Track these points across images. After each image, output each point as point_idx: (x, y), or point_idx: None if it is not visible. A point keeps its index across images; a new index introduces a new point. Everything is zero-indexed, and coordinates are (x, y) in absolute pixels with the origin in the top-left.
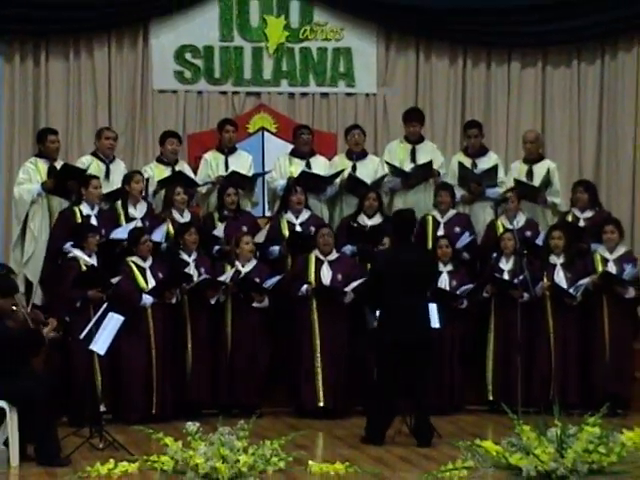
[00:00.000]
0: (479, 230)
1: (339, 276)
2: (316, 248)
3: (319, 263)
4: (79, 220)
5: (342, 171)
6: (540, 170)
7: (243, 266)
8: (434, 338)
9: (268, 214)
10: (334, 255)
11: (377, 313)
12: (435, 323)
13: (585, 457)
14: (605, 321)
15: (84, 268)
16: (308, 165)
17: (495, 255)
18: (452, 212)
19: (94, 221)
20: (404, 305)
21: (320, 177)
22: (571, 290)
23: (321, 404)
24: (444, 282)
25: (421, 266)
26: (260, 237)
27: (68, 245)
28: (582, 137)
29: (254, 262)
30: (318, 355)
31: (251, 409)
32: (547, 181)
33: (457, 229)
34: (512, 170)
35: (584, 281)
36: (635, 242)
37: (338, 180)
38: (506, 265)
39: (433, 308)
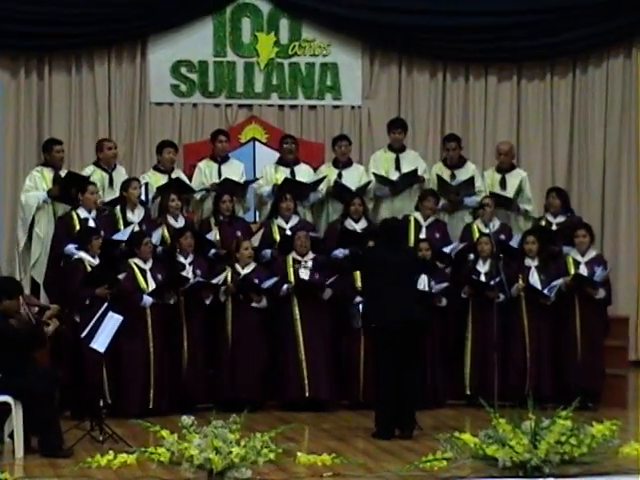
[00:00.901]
0: (455, 236)
1: (316, 275)
2: (293, 250)
3: (297, 264)
4: (77, 224)
5: (324, 177)
6: (512, 179)
7: (243, 269)
8: (424, 326)
9: (258, 220)
10: (310, 256)
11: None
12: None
13: (557, 448)
14: (577, 320)
15: (89, 269)
16: (292, 173)
17: (472, 258)
18: (432, 218)
19: (92, 224)
20: (391, 295)
21: (302, 184)
22: (545, 291)
23: (306, 394)
24: (423, 283)
25: (405, 262)
26: (254, 241)
27: (69, 247)
28: (555, 147)
29: (253, 265)
30: (302, 349)
31: (252, 402)
32: (519, 190)
33: (437, 235)
34: (485, 178)
35: (557, 282)
36: (605, 246)
37: (323, 187)
38: (483, 267)
39: None
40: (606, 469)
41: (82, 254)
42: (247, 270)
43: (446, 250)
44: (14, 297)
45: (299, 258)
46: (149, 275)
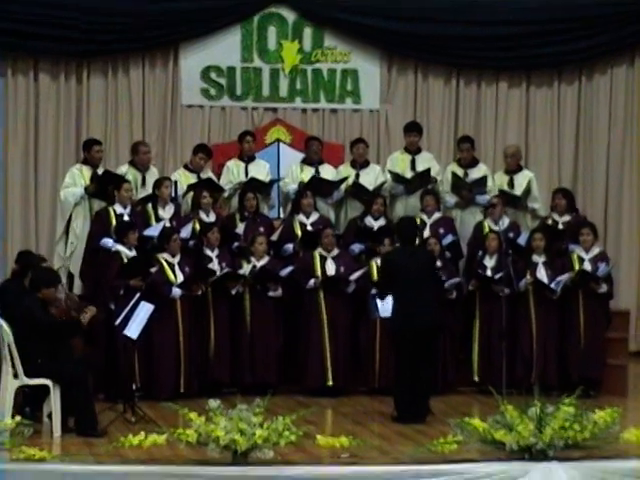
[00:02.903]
0: (469, 232)
1: (342, 268)
2: (320, 246)
3: (323, 259)
4: (113, 219)
5: (346, 178)
6: (520, 180)
7: (258, 261)
8: (440, 326)
9: (282, 216)
10: (335, 251)
11: (382, 304)
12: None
13: (561, 433)
14: (581, 313)
15: (125, 261)
16: (317, 172)
17: (480, 253)
18: (437, 215)
19: (127, 219)
20: (412, 298)
21: (328, 182)
22: (551, 285)
23: (330, 383)
24: (437, 276)
25: (424, 266)
26: (274, 236)
27: (106, 240)
28: (561, 150)
29: (267, 258)
30: (326, 339)
31: (269, 386)
32: (527, 190)
33: (441, 230)
34: (495, 180)
35: (563, 277)
36: (608, 243)
37: (343, 186)
38: (489, 262)
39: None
40: (607, 453)
41: (119, 247)
42: (262, 262)
43: (443, 242)
44: (52, 286)
45: (325, 254)
46: (177, 268)
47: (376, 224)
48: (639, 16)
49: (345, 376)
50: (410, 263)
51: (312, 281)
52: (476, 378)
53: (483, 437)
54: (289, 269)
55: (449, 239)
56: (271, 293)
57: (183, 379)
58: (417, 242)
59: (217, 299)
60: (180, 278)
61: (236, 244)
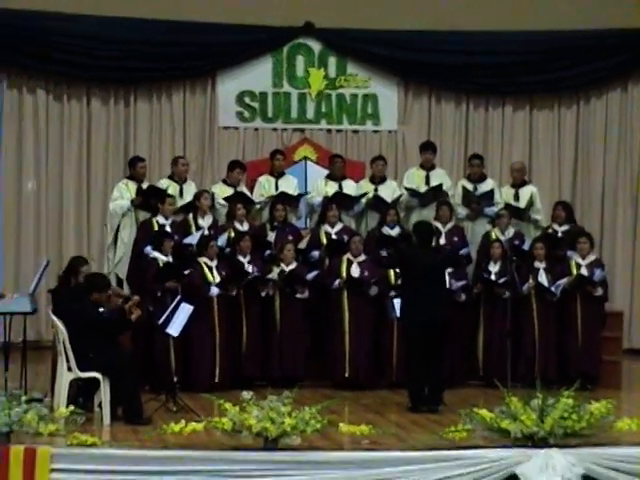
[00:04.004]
0: (477, 240)
1: (366, 272)
2: (349, 251)
3: (350, 263)
4: (156, 229)
5: (366, 193)
6: (525, 193)
7: (287, 266)
8: (448, 324)
9: (308, 226)
10: (362, 257)
11: (399, 303)
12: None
13: (561, 423)
14: (578, 314)
15: (161, 266)
16: (340, 187)
17: (486, 259)
18: (451, 224)
19: (168, 230)
20: (424, 293)
21: (350, 197)
22: (552, 289)
23: (347, 375)
24: (446, 282)
25: (437, 264)
26: (302, 244)
27: (149, 248)
28: (561, 166)
29: (295, 263)
30: (346, 337)
31: (296, 380)
32: (530, 203)
33: (456, 238)
34: (502, 193)
35: (562, 282)
36: (603, 251)
37: (364, 200)
38: (494, 268)
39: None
40: (602, 441)
41: (156, 254)
42: (290, 268)
43: (462, 252)
44: (104, 290)
45: (352, 258)
46: (215, 271)
47: (393, 232)
48: (632, 46)
49: (366, 371)
50: (425, 261)
51: (337, 281)
52: (481, 373)
53: (490, 426)
54: (315, 273)
55: (465, 251)
56: (299, 295)
57: (219, 373)
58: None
59: (249, 301)
60: (217, 279)
61: (268, 252)
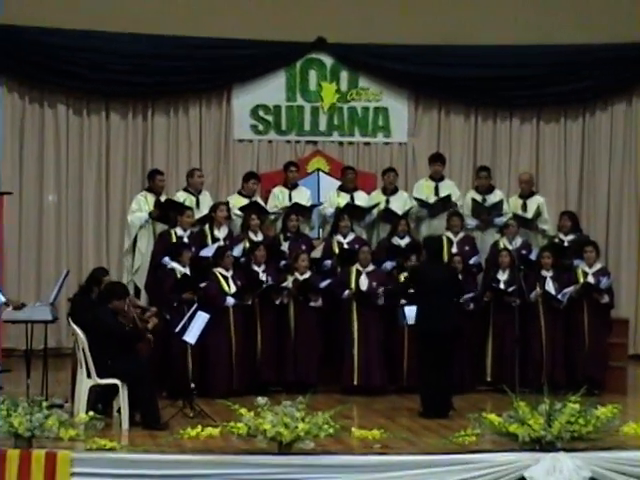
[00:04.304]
0: (486, 250)
1: (374, 283)
2: (357, 262)
3: (359, 274)
4: (174, 240)
5: (377, 204)
6: (532, 204)
7: (301, 276)
8: (459, 330)
9: (321, 236)
10: (370, 267)
11: (408, 312)
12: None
13: (568, 427)
14: (585, 321)
15: (179, 277)
16: (352, 198)
17: (495, 268)
18: (462, 234)
19: (186, 241)
20: (435, 305)
21: (361, 208)
22: (559, 297)
23: (355, 382)
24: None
25: (447, 278)
26: (317, 253)
27: (166, 259)
28: (567, 177)
29: (309, 273)
30: (355, 345)
31: (310, 385)
32: (538, 213)
33: (467, 248)
34: (509, 204)
35: (568, 290)
36: (609, 259)
37: (375, 211)
38: (502, 276)
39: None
40: (608, 445)
41: (174, 264)
42: (304, 277)
43: (471, 262)
44: (122, 298)
45: (361, 269)
46: (230, 281)
47: (402, 242)
48: (636, 60)
49: (377, 376)
50: (435, 275)
51: (346, 292)
52: (489, 379)
53: (498, 430)
54: (328, 282)
55: (476, 260)
56: (312, 303)
57: (235, 379)
58: (444, 257)
59: (264, 309)
60: (233, 289)
61: (283, 262)
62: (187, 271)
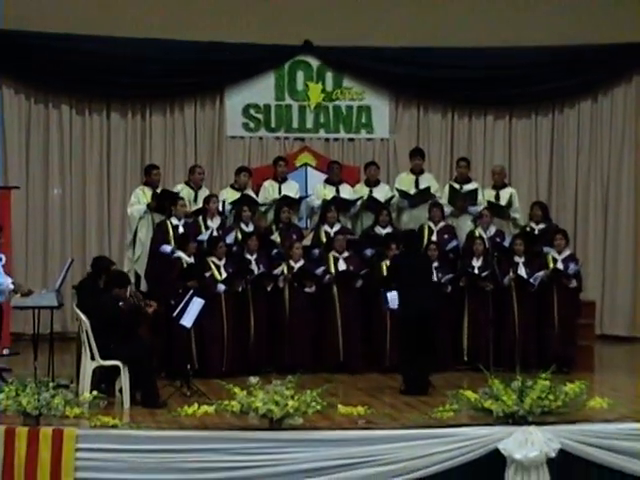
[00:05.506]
0: (461, 237)
1: (351, 267)
2: (333, 249)
3: (336, 260)
4: (170, 229)
5: (361, 197)
6: (504, 194)
7: (295, 263)
8: (436, 313)
9: (309, 226)
10: (346, 253)
11: (391, 297)
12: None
13: (539, 402)
14: (555, 304)
15: (185, 266)
16: (337, 191)
17: (470, 255)
18: (442, 223)
19: (181, 230)
20: (413, 292)
21: (346, 201)
22: (531, 280)
23: (341, 359)
24: (434, 275)
25: (422, 265)
26: (306, 241)
27: (164, 247)
28: (538, 170)
29: (302, 261)
30: (339, 326)
31: (300, 366)
32: (510, 203)
33: (446, 236)
34: (484, 194)
35: (539, 274)
36: (577, 246)
37: (359, 203)
38: (477, 263)
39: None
40: (576, 418)
41: (181, 254)
42: (298, 264)
43: (447, 248)
44: (124, 286)
45: (337, 255)
46: (222, 270)
47: (384, 231)
48: (602, 61)
49: (360, 356)
50: (412, 264)
51: (327, 277)
52: (465, 358)
53: (474, 406)
54: (322, 269)
55: (453, 244)
56: (307, 289)
57: (227, 360)
58: (422, 247)
59: (256, 295)
60: (224, 276)
61: (276, 250)
62: (192, 260)
